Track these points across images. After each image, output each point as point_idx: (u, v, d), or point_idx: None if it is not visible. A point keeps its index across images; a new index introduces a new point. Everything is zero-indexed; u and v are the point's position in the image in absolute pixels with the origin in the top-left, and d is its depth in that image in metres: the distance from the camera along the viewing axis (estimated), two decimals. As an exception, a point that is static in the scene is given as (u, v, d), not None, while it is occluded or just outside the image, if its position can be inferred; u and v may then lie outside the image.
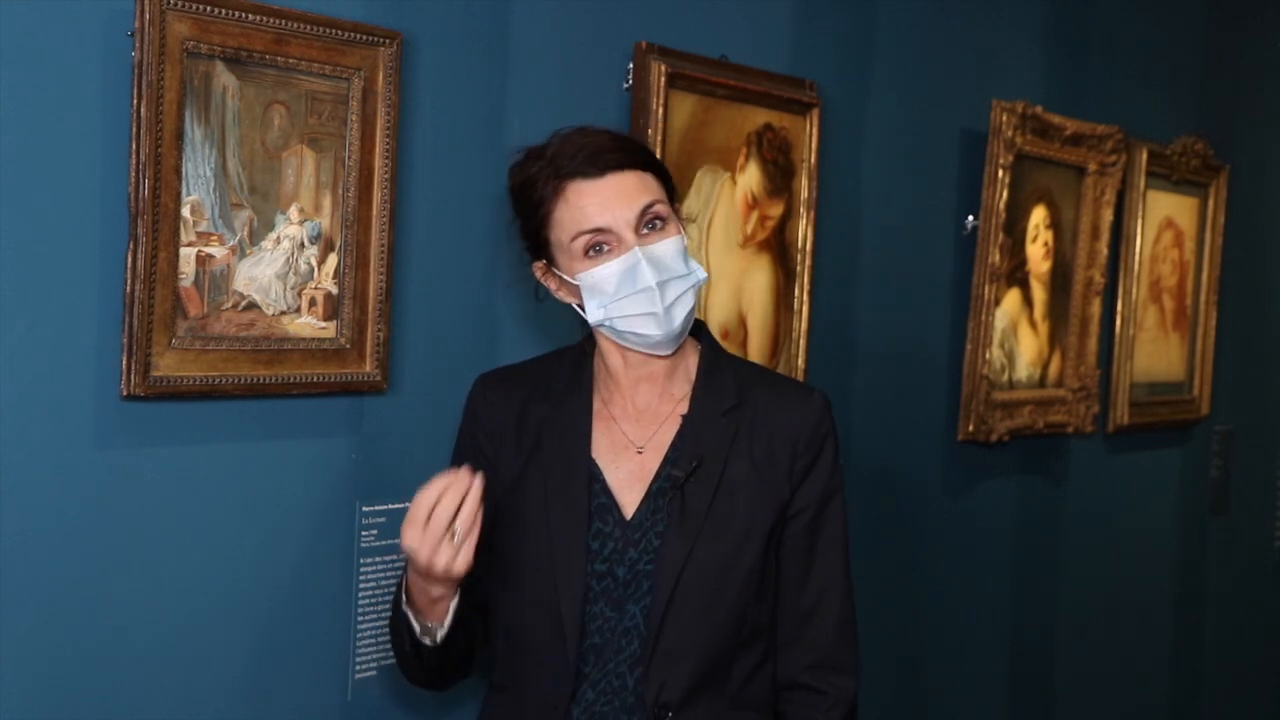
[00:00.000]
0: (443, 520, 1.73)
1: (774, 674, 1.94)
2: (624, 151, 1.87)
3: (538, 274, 1.96)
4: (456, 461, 2.00)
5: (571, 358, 1.99)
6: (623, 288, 1.84)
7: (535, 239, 1.91)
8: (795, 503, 1.91)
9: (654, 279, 1.83)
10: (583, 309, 1.90)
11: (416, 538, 1.74)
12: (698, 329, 2.00)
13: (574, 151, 1.85)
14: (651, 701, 1.84)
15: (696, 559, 1.84)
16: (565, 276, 1.90)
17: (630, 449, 1.92)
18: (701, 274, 1.90)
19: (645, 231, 1.85)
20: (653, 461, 1.91)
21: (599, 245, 1.85)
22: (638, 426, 1.93)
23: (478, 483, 1.74)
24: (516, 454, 1.93)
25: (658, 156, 1.99)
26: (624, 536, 1.87)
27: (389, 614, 2.01)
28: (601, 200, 1.84)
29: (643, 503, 1.89)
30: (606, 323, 1.88)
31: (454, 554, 1.74)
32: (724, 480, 1.88)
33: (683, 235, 1.90)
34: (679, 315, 1.86)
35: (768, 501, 1.89)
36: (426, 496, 1.74)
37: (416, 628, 1.89)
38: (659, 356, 1.91)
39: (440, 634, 1.87)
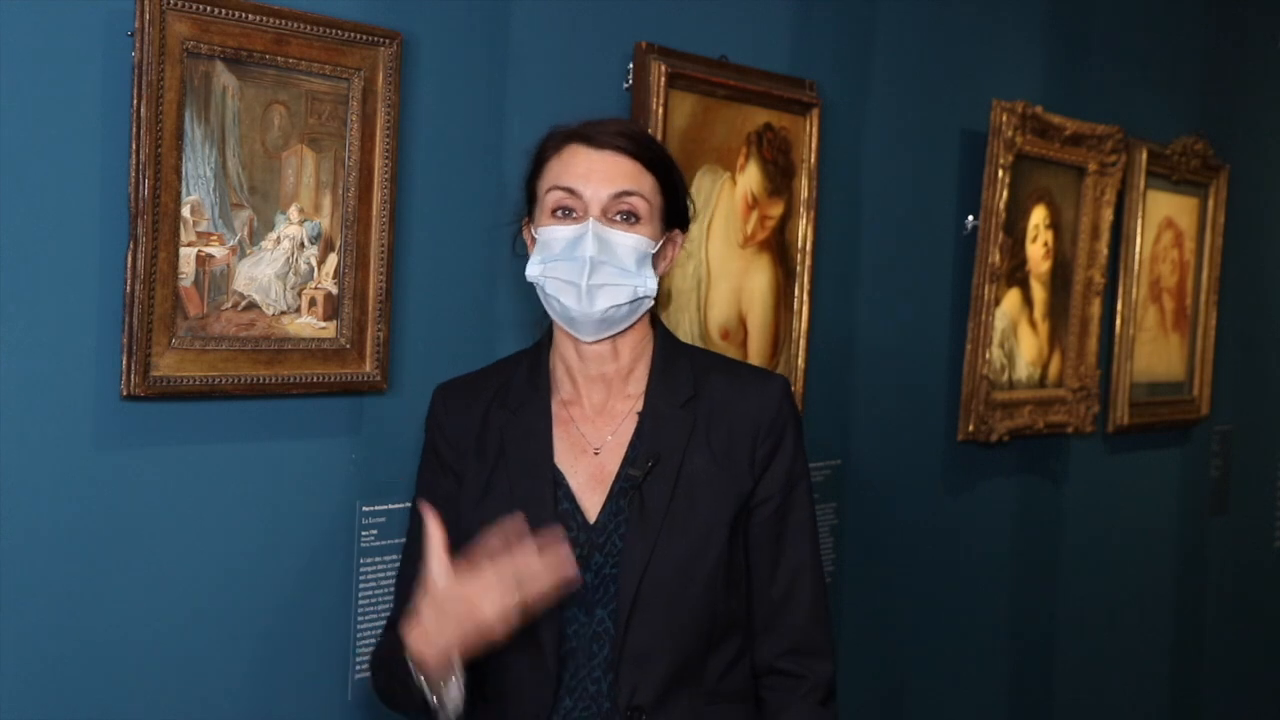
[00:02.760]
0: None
1: (752, 662, 1.93)
2: (640, 143, 1.89)
3: (524, 225, 1.97)
4: (423, 472, 2.00)
5: (528, 360, 1.98)
6: (564, 252, 1.85)
7: (529, 190, 1.94)
8: (759, 492, 1.90)
9: (590, 252, 1.83)
10: None
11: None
12: (654, 323, 1.98)
13: (599, 123, 1.90)
14: (624, 705, 1.82)
15: (659, 558, 1.83)
16: (534, 230, 1.92)
17: (588, 451, 1.91)
18: (649, 286, 1.87)
19: (615, 218, 1.86)
20: (612, 462, 1.89)
21: (567, 209, 1.86)
22: (595, 428, 1.92)
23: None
24: (480, 463, 1.92)
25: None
26: (589, 541, 1.85)
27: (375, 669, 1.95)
28: (587, 168, 1.86)
29: (605, 505, 1.87)
30: (540, 282, 1.88)
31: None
32: (682, 475, 1.86)
33: (655, 243, 1.88)
34: (601, 301, 1.85)
35: (729, 493, 1.88)
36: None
37: (432, 699, 1.77)
38: (586, 343, 1.90)
39: (458, 701, 1.77)
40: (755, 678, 1.93)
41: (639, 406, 1.91)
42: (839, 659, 2.00)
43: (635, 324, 1.92)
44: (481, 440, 1.93)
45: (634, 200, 1.86)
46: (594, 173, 1.85)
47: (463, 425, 1.95)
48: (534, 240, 1.92)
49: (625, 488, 1.86)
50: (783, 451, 1.91)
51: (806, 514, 1.94)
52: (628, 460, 1.88)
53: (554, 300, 1.88)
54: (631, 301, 1.87)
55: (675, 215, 1.94)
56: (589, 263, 1.83)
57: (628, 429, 1.90)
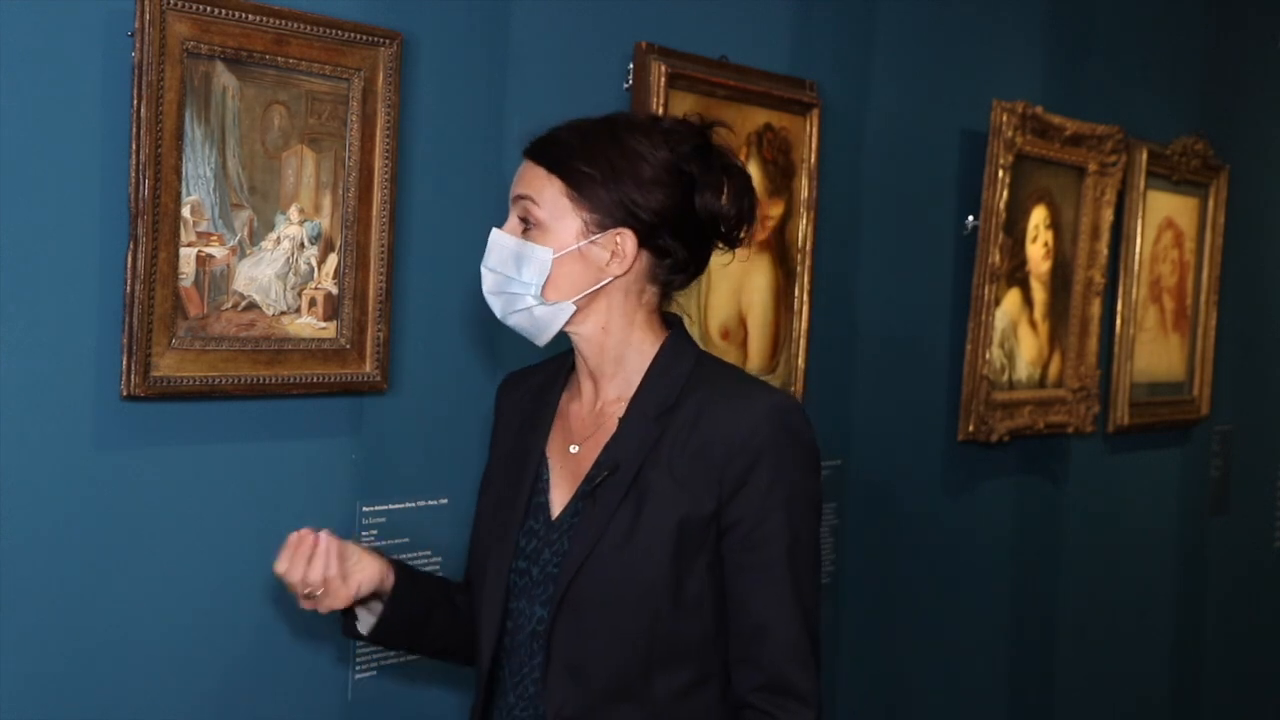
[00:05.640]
0: (299, 583, 1.79)
1: (726, 694, 1.84)
2: (552, 147, 1.83)
3: None
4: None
5: (566, 355, 1.98)
6: None
7: None
8: (728, 515, 1.78)
9: (485, 262, 1.86)
10: None
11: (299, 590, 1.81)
12: (671, 321, 1.92)
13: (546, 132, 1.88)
14: (553, 716, 1.77)
15: (592, 565, 1.77)
16: None
17: (570, 448, 1.89)
18: (530, 292, 1.82)
19: (522, 225, 1.84)
20: (586, 463, 1.85)
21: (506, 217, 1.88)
22: (581, 425, 1.89)
23: (322, 539, 1.79)
24: (506, 448, 1.94)
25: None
26: (545, 536, 1.84)
27: None
28: (515, 178, 1.86)
29: (568, 504, 1.84)
30: None
31: (328, 599, 1.81)
32: (635, 487, 1.79)
33: (557, 251, 1.81)
34: (495, 306, 1.87)
35: (679, 511, 1.77)
36: (279, 568, 1.80)
37: (357, 615, 1.91)
38: (583, 355, 1.89)
39: (363, 629, 1.91)
40: (735, 712, 1.83)
41: (623, 411, 1.86)
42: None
43: (589, 325, 1.85)
44: (508, 427, 1.95)
45: (526, 205, 1.83)
46: (515, 182, 1.86)
47: (508, 412, 1.98)
48: None
49: (585, 491, 1.83)
50: (757, 475, 1.77)
51: (785, 544, 1.78)
52: (596, 464, 1.84)
53: None
54: (525, 310, 1.84)
55: (621, 213, 1.82)
56: (483, 270, 1.86)
57: (607, 432, 1.86)
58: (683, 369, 1.87)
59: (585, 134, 1.85)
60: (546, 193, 1.82)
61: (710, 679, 1.82)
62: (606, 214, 1.82)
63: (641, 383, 1.86)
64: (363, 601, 1.87)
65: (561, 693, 1.78)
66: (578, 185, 1.82)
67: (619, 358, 1.87)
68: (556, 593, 1.79)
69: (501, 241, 1.85)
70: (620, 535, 1.78)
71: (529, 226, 1.83)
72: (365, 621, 1.89)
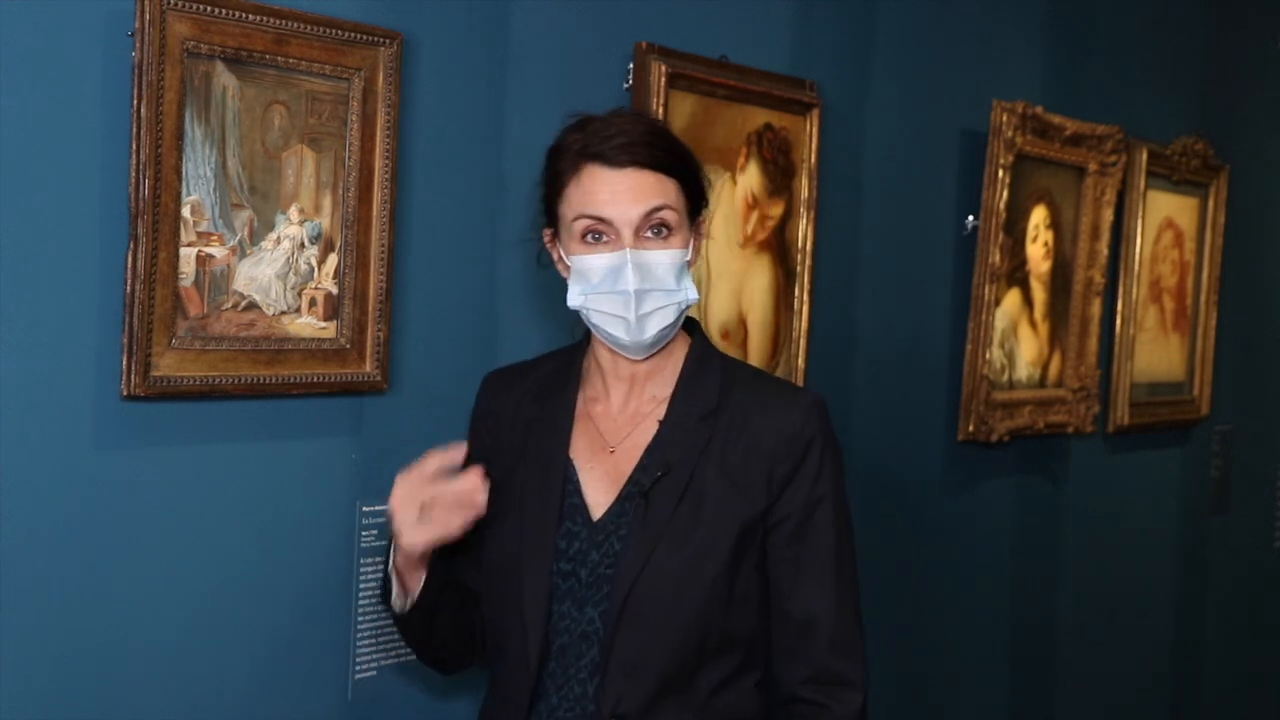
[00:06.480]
0: (431, 493, 1.78)
1: (763, 686, 1.88)
2: (655, 149, 1.84)
3: (546, 239, 1.93)
4: (466, 460, 2.01)
5: (566, 355, 1.98)
6: (604, 283, 1.82)
7: (549, 206, 1.90)
8: (776, 511, 1.85)
9: (634, 285, 1.80)
10: None
11: (403, 489, 1.79)
12: (690, 326, 1.96)
13: (610, 134, 1.83)
14: (608, 712, 1.79)
15: (654, 566, 1.80)
16: (563, 253, 1.89)
17: (605, 450, 1.89)
18: (692, 295, 1.85)
19: (648, 235, 1.82)
20: (626, 464, 1.87)
21: (597, 233, 1.83)
22: (615, 427, 1.90)
23: (479, 485, 1.78)
24: (508, 452, 1.93)
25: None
26: (589, 538, 1.84)
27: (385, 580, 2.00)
28: (612, 192, 1.81)
29: (612, 505, 1.86)
30: (583, 311, 1.86)
31: (413, 526, 1.79)
32: (691, 488, 1.83)
33: (688, 250, 1.86)
34: (651, 328, 1.83)
35: (738, 510, 1.83)
36: (430, 466, 1.79)
37: (394, 590, 1.90)
38: (631, 360, 1.89)
39: (403, 605, 1.89)
40: (783, 704, 1.87)
41: (660, 412, 1.89)
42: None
43: None
44: (512, 429, 1.94)
45: (664, 214, 1.82)
46: (619, 195, 1.81)
47: (500, 414, 1.97)
48: (560, 258, 1.89)
49: (633, 492, 1.85)
50: (803, 472, 1.85)
51: (831, 539, 1.87)
52: (641, 466, 1.86)
53: (602, 330, 1.86)
54: (678, 316, 1.86)
55: (697, 204, 1.90)
56: (633, 296, 1.81)
57: (646, 433, 1.88)
58: (714, 371, 1.92)
59: (659, 129, 1.90)
60: (671, 196, 1.85)
61: (749, 669, 1.87)
62: (702, 203, 1.91)
63: (678, 384, 1.90)
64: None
65: (617, 692, 1.80)
66: (687, 180, 1.88)
67: (670, 358, 1.91)
68: (617, 594, 1.80)
69: (660, 259, 1.83)
70: (679, 537, 1.82)
71: (663, 234, 1.84)
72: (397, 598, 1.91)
